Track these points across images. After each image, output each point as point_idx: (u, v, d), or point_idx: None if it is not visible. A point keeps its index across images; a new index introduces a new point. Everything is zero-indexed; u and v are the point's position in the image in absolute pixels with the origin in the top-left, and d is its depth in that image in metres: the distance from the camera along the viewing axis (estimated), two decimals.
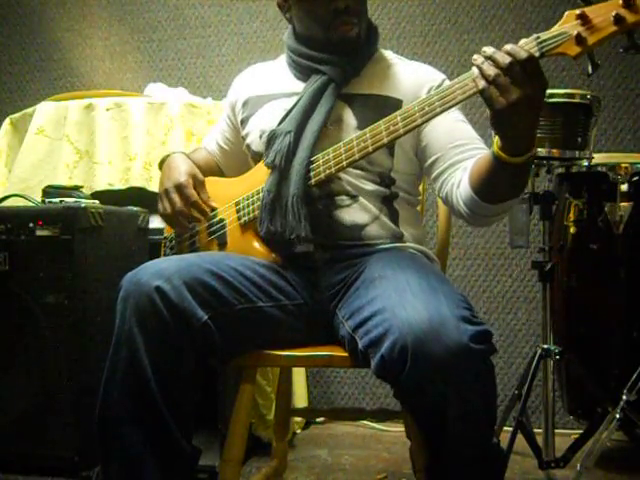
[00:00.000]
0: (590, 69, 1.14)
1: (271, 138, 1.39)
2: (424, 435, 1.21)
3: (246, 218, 1.45)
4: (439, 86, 1.42)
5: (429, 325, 1.06)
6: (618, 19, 1.07)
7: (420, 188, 1.58)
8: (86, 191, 2.20)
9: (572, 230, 2.10)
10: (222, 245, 1.50)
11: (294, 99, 1.42)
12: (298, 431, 2.44)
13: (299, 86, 1.46)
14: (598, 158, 2.02)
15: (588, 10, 1.10)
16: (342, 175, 1.40)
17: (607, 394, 1.92)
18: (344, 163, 1.33)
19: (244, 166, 1.57)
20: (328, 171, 1.34)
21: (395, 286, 1.18)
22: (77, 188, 2.12)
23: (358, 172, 1.41)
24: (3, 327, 1.94)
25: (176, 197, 1.46)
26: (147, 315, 1.19)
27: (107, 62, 2.96)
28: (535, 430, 1.95)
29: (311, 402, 2.65)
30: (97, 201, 2.06)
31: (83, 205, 1.93)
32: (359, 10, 1.42)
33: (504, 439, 1.85)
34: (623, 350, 2.03)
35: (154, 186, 2.24)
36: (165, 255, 1.62)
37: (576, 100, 1.90)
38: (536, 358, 1.95)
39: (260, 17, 2.80)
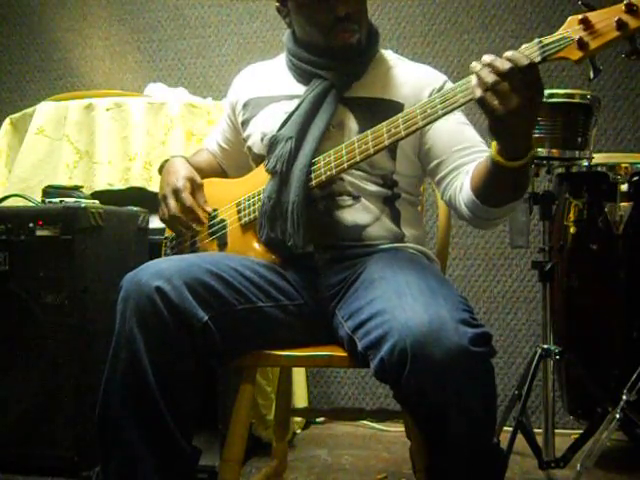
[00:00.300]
0: (592, 74, 1.15)
1: (272, 144, 1.39)
2: (423, 435, 1.21)
3: (247, 219, 1.45)
4: (441, 88, 1.42)
5: (429, 328, 1.06)
6: (621, 24, 1.07)
7: (420, 188, 1.58)
8: (86, 191, 2.20)
9: (572, 230, 2.10)
10: (222, 245, 1.50)
11: (295, 102, 1.42)
12: (298, 431, 2.44)
13: (300, 89, 1.45)
14: (598, 158, 2.02)
15: (591, 15, 1.10)
16: (344, 176, 1.39)
17: (607, 394, 1.92)
18: (345, 165, 1.33)
19: (246, 165, 1.57)
20: (329, 172, 1.34)
21: (395, 288, 1.18)
22: (77, 188, 2.12)
23: (360, 174, 1.41)
24: (3, 327, 1.94)
25: (172, 202, 1.48)
26: (147, 315, 1.19)
27: (107, 62, 2.96)
28: (535, 430, 1.95)
29: (311, 402, 2.65)
30: (97, 201, 2.06)
31: (83, 205, 1.93)
32: (360, 16, 1.41)
33: (504, 439, 1.86)
34: (623, 350, 2.03)
35: (154, 186, 2.25)
36: (165, 255, 1.62)
37: (576, 100, 1.90)
38: (536, 358, 1.95)
39: (260, 17, 2.80)
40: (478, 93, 1.09)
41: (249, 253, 1.43)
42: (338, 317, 1.32)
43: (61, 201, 1.98)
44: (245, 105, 1.55)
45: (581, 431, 1.94)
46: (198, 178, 1.52)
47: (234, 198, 1.50)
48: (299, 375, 2.45)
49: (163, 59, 2.91)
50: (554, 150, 1.90)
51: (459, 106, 1.19)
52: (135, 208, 2.15)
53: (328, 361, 1.32)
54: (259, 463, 2.09)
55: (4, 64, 3.06)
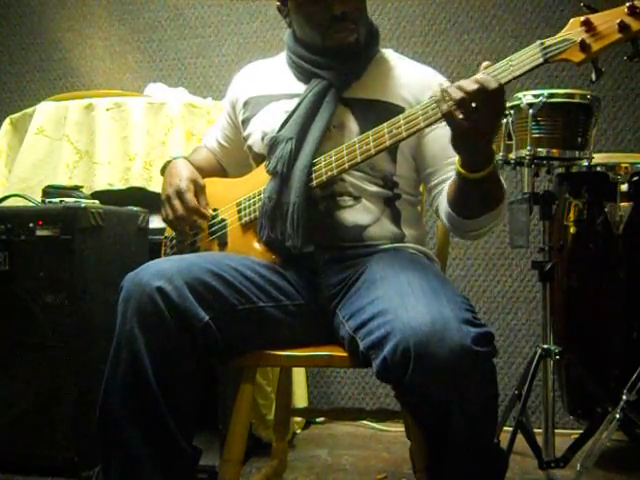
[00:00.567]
0: (594, 76, 1.15)
1: (273, 145, 1.39)
2: (424, 435, 1.21)
3: (247, 218, 1.45)
4: None
5: (432, 327, 1.06)
6: (623, 27, 1.08)
7: (420, 188, 1.58)
8: (86, 191, 2.20)
9: (572, 230, 2.10)
10: (223, 245, 1.50)
11: (295, 101, 1.42)
12: (298, 431, 2.44)
13: (300, 87, 1.45)
14: (598, 158, 2.02)
15: (593, 17, 1.11)
16: (345, 176, 1.39)
17: (607, 394, 1.92)
18: (346, 165, 1.33)
19: (246, 163, 1.57)
20: (330, 173, 1.34)
21: (396, 287, 1.18)
22: (77, 188, 2.12)
23: (361, 174, 1.41)
24: (3, 327, 1.94)
25: (177, 203, 1.48)
26: (148, 315, 1.20)
27: (107, 62, 2.96)
28: (535, 430, 1.96)
29: (311, 402, 2.65)
30: (97, 201, 2.05)
31: (83, 205, 1.93)
32: (357, 16, 1.40)
33: (504, 439, 1.86)
34: (623, 350, 2.03)
35: (154, 186, 2.25)
36: (165, 254, 1.62)
37: (576, 100, 1.91)
38: (536, 358, 1.96)
39: (260, 17, 2.80)
40: (444, 108, 1.12)
41: (249, 253, 1.43)
42: (339, 317, 1.32)
43: (61, 201, 1.98)
44: (245, 104, 1.55)
45: (581, 431, 1.94)
46: (201, 180, 1.53)
47: (234, 198, 1.50)
48: (299, 375, 2.45)
49: (163, 59, 2.91)
50: (554, 150, 1.90)
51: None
52: (135, 208, 2.15)
53: (328, 361, 1.32)
54: (259, 463, 2.09)
55: (4, 64, 3.06)
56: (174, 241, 1.61)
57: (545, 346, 1.97)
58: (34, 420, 1.91)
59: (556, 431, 1.98)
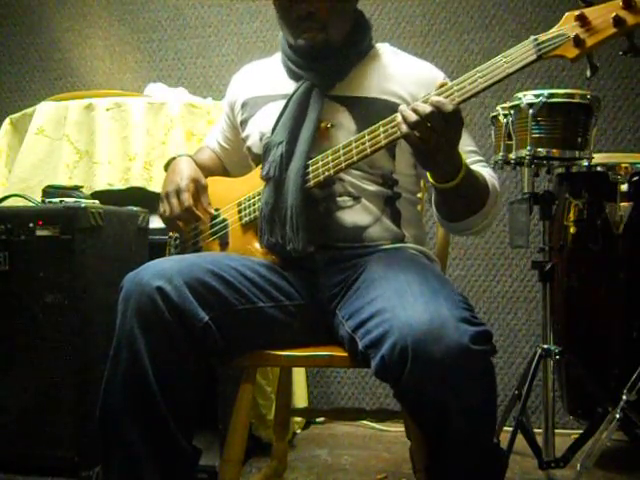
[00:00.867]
0: (588, 72, 1.14)
1: (266, 150, 1.40)
2: (423, 435, 1.21)
3: (247, 218, 1.46)
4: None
5: (429, 326, 1.06)
6: (618, 21, 1.06)
7: (420, 185, 1.58)
8: (86, 191, 2.19)
9: (572, 230, 2.10)
10: (224, 245, 1.50)
11: None
12: (298, 431, 2.44)
13: (294, 87, 1.45)
14: (598, 158, 2.02)
15: (587, 11, 1.09)
16: (344, 176, 1.39)
17: (607, 394, 1.92)
18: (343, 165, 1.32)
19: (246, 164, 1.57)
20: (327, 173, 1.34)
21: (395, 287, 1.18)
22: (77, 188, 2.12)
23: (360, 173, 1.41)
24: (3, 327, 1.94)
25: (175, 201, 1.47)
26: (148, 315, 1.20)
27: (107, 62, 2.96)
28: (535, 430, 1.96)
29: (311, 402, 2.65)
30: (97, 201, 2.05)
31: (83, 205, 1.93)
32: (325, 16, 1.37)
33: (504, 439, 1.86)
34: (623, 350, 2.03)
35: (154, 186, 2.25)
36: (170, 254, 1.63)
37: (576, 100, 1.90)
38: (536, 358, 1.96)
39: (260, 17, 2.80)
40: (403, 129, 1.15)
41: (250, 253, 1.43)
42: (338, 317, 1.32)
43: (61, 201, 1.98)
44: (244, 105, 1.55)
45: (581, 431, 1.94)
46: (203, 180, 1.52)
47: (236, 197, 1.50)
48: (299, 375, 2.45)
49: (163, 59, 2.91)
50: (554, 150, 1.90)
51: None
52: (135, 208, 2.15)
53: (328, 361, 1.32)
54: (259, 463, 2.09)
55: (4, 64, 3.06)
56: (178, 240, 1.61)
57: (545, 346, 1.97)
58: (34, 420, 1.91)
59: (556, 431, 1.98)
